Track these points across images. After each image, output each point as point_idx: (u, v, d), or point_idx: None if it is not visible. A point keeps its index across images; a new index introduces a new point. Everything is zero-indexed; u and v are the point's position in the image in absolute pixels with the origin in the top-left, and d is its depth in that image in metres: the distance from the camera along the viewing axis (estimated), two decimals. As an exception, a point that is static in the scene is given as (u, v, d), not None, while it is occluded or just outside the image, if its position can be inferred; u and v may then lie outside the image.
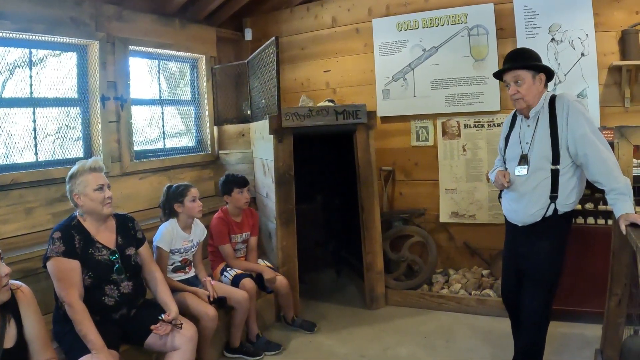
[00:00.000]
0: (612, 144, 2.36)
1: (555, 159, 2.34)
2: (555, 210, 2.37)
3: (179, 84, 4.61)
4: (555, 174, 2.36)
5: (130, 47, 3.85)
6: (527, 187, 2.43)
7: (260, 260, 3.62)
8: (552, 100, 2.39)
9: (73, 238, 2.31)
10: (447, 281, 4.07)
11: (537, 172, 2.40)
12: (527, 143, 2.45)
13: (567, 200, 2.38)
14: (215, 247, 3.47)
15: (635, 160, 3.04)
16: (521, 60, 2.41)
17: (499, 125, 4.03)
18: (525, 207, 2.45)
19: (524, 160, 2.45)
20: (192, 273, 3.11)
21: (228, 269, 3.41)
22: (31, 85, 3.24)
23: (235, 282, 3.26)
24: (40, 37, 3.23)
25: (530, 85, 2.38)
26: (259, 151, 4.19)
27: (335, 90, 4.73)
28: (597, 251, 3.07)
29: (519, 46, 3.84)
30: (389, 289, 3.99)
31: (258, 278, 3.42)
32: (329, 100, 4.33)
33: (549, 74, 2.44)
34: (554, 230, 2.41)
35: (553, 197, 2.37)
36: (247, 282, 3.25)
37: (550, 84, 3.74)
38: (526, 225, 2.46)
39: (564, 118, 2.32)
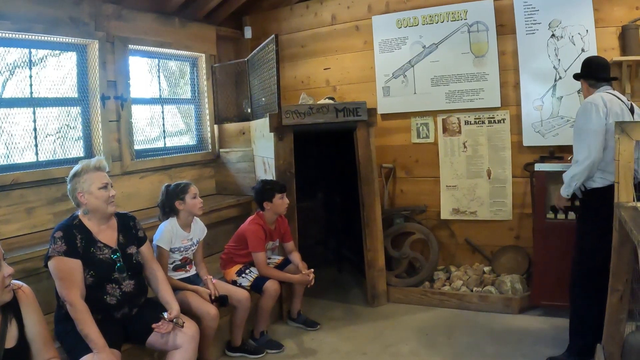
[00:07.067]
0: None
1: None
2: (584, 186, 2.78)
3: (179, 82, 4.61)
4: None
5: (129, 46, 3.85)
6: None
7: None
8: None
9: (74, 237, 2.31)
10: (449, 278, 4.07)
11: None
12: None
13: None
14: (235, 248, 3.39)
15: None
16: None
17: (499, 121, 4.03)
18: None
19: None
20: (192, 271, 3.11)
21: (247, 271, 3.33)
22: (31, 85, 3.24)
23: (259, 285, 3.22)
24: (39, 37, 3.23)
25: (584, 90, 2.93)
26: (260, 149, 4.19)
27: (335, 88, 4.72)
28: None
29: (519, 43, 3.86)
30: (391, 286, 3.99)
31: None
32: (329, 98, 4.32)
33: (583, 76, 2.87)
34: (582, 205, 2.84)
35: None
36: (271, 284, 3.22)
37: (550, 80, 3.78)
38: None
39: None
